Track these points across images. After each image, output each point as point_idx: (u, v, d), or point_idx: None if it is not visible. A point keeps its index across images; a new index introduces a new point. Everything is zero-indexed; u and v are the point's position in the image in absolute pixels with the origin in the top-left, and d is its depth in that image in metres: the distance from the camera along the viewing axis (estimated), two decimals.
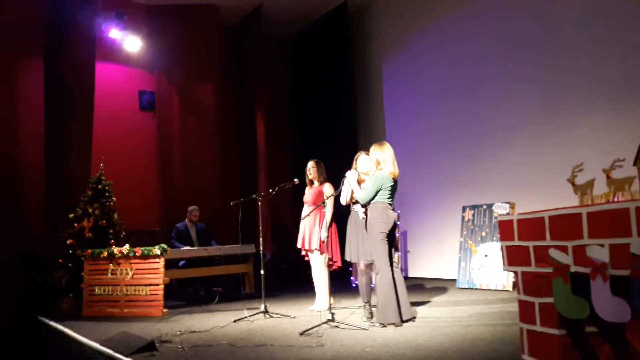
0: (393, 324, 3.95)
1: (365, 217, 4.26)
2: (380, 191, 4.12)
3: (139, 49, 7.84)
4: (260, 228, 5.10)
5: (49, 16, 6.97)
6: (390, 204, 4.19)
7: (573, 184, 2.15)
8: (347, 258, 4.57)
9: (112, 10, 7.54)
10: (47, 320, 5.26)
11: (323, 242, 4.80)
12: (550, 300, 2.08)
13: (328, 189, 5.13)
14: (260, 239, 5.08)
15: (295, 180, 5.18)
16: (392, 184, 4.16)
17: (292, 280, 8.15)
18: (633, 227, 1.71)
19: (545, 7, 5.91)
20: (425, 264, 7.59)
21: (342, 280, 7.46)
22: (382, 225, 4.08)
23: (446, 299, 5.51)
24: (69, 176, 6.65)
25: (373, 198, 4.14)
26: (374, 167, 4.25)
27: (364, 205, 4.30)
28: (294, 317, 4.74)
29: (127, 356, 3.40)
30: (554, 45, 5.81)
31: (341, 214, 4.91)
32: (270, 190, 5.28)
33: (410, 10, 7.99)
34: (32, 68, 6.95)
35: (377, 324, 4.04)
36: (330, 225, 4.95)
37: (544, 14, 5.93)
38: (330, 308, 4.32)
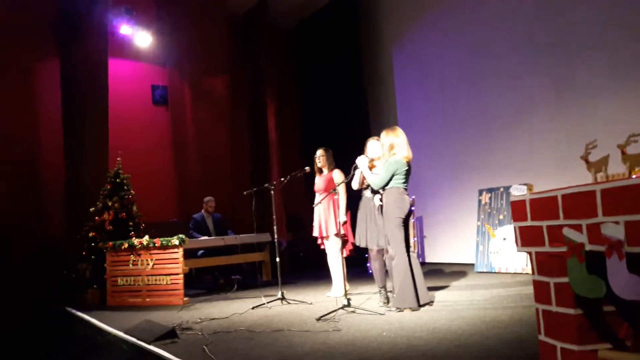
0: (410, 308, 3.96)
1: (381, 203, 4.25)
2: (395, 176, 4.09)
3: (150, 44, 7.90)
4: (274, 217, 5.14)
5: (62, 15, 7.06)
6: (406, 189, 4.17)
7: (587, 162, 2.11)
8: (357, 243, 4.58)
9: (121, 6, 7.60)
10: (73, 311, 5.42)
11: (344, 224, 4.83)
12: (565, 280, 2.06)
13: (338, 175, 5.14)
14: (275, 227, 5.12)
15: (307, 168, 5.20)
16: (407, 168, 4.14)
17: (309, 267, 8.22)
18: None
19: None
20: (443, 249, 7.56)
21: (359, 267, 7.49)
22: (398, 211, 4.06)
23: (464, 283, 5.50)
24: (88, 171, 6.79)
25: (387, 183, 4.12)
26: (387, 152, 4.21)
27: (376, 191, 4.29)
28: (311, 304, 4.78)
29: (149, 343, 3.49)
30: (567, 25, 5.69)
31: (352, 200, 4.91)
32: (282, 179, 5.31)
33: None
34: (48, 68, 7.09)
35: (394, 309, 4.05)
36: (346, 210, 4.98)
37: None
38: (346, 294, 4.35)
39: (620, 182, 1.78)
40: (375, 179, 4.20)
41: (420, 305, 4.03)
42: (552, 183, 4.65)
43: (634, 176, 2.10)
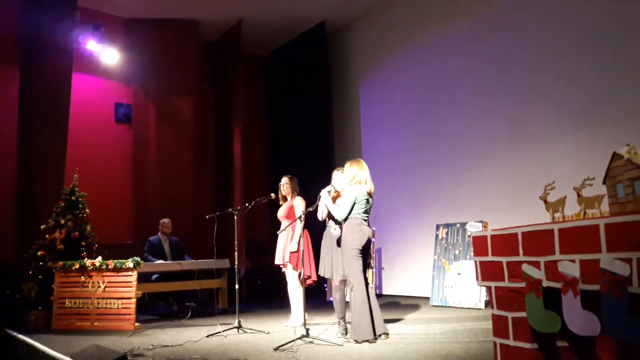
0: (367, 340, 3.97)
1: (337, 233, 4.29)
2: (355, 206, 4.15)
3: (116, 61, 7.79)
4: (236, 242, 5.07)
5: (27, 27, 6.87)
6: (365, 220, 4.23)
7: (545, 202, 2.24)
8: (321, 273, 4.58)
9: (90, 22, 7.50)
10: (14, 333, 5.06)
11: (292, 253, 4.80)
12: (523, 314, 2.15)
13: (298, 202, 5.16)
14: (235, 253, 5.04)
15: (272, 195, 5.20)
16: (366, 198, 4.21)
17: (267, 296, 8.09)
18: (603, 243, 1.79)
19: (516, 34, 6.19)
20: (399, 281, 7.65)
21: (319, 297, 7.44)
22: (356, 241, 4.11)
23: (420, 316, 5.56)
24: (42, 187, 6.49)
25: (349, 214, 4.17)
26: (348, 183, 4.28)
27: (339, 222, 4.33)
28: (268, 333, 4.70)
29: None
30: (524, 69, 6.06)
31: (318, 230, 4.93)
32: (247, 205, 5.27)
33: (388, 31, 8.19)
34: (7, 78, 6.84)
35: (352, 340, 4.05)
36: (299, 240, 4.94)
37: (514, 40, 6.19)
38: (305, 324, 4.31)
39: (577, 223, 1.90)
40: (338, 211, 4.24)
41: (375, 337, 4.04)
42: (506, 221, 4.85)
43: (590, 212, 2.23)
